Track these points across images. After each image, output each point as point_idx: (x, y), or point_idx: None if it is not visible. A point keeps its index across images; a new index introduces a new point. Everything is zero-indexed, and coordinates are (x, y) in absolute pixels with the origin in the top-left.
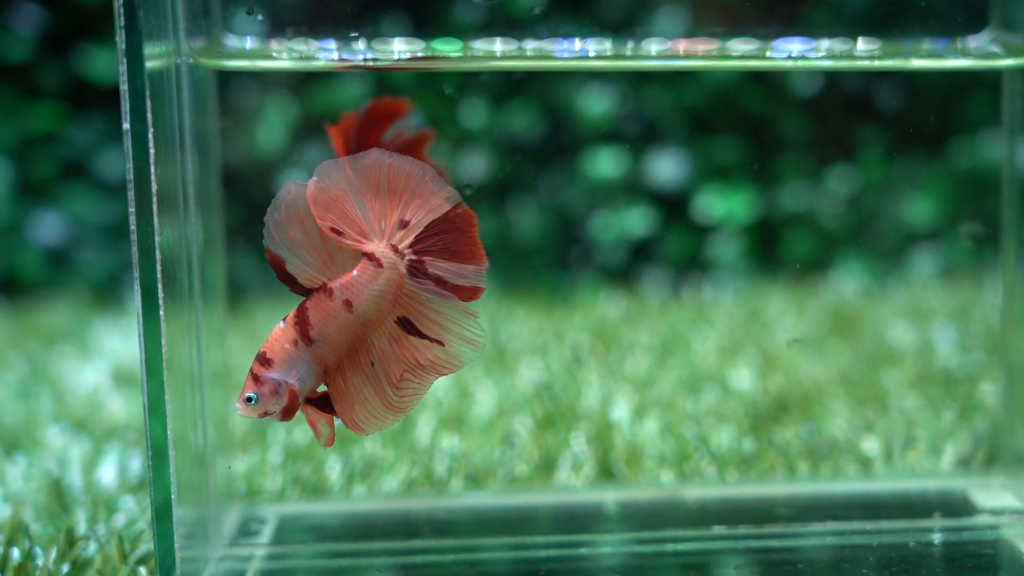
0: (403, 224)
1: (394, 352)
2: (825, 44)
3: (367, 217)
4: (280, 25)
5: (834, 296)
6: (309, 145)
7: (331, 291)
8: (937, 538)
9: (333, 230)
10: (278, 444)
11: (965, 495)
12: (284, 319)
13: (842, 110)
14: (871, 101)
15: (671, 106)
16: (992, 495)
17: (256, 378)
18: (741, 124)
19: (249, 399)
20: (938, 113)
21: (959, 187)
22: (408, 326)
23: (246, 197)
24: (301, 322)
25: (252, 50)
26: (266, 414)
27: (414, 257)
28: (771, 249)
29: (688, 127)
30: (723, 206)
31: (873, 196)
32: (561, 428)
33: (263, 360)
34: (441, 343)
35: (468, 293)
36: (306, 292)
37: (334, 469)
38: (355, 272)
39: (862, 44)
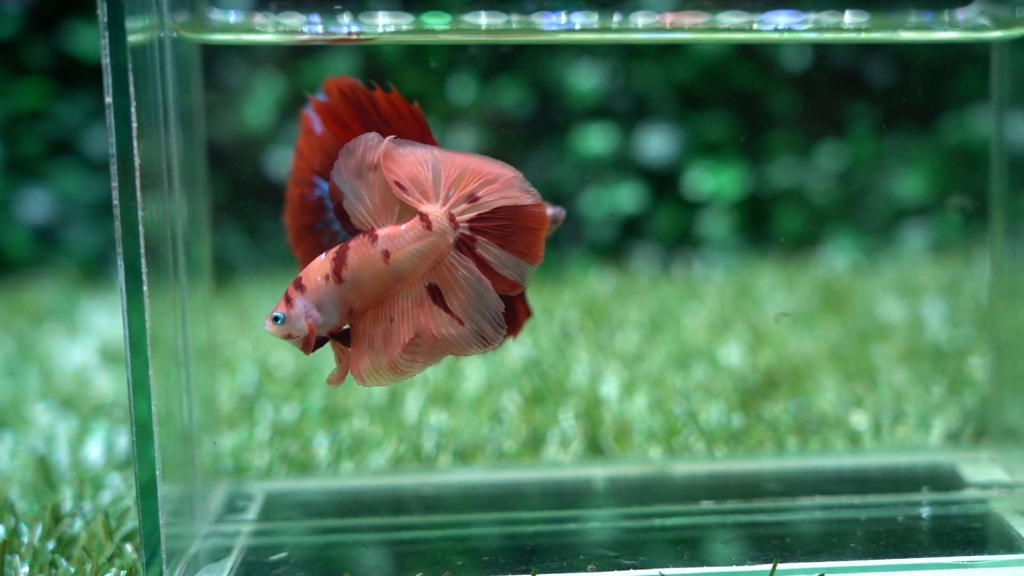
0: (471, 199)
1: (414, 315)
2: (813, 16)
3: (437, 182)
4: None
5: (824, 271)
6: (297, 121)
7: (375, 238)
8: (925, 512)
9: (396, 183)
10: (266, 421)
11: (954, 469)
12: (327, 252)
13: (832, 85)
14: (861, 76)
15: (661, 82)
16: (981, 469)
17: (288, 299)
18: (731, 100)
19: (276, 318)
20: (928, 88)
21: (949, 162)
22: (436, 295)
23: (234, 173)
24: (338, 260)
25: (236, 24)
26: (289, 336)
27: (467, 232)
28: (761, 225)
29: (678, 103)
30: (713, 182)
31: (863, 171)
32: (550, 404)
33: (298, 284)
34: (461, 323)
35: (507, 285)
36: (354, 232)
37: (322, 446)
38: (403, 227)
39: (851, 17)
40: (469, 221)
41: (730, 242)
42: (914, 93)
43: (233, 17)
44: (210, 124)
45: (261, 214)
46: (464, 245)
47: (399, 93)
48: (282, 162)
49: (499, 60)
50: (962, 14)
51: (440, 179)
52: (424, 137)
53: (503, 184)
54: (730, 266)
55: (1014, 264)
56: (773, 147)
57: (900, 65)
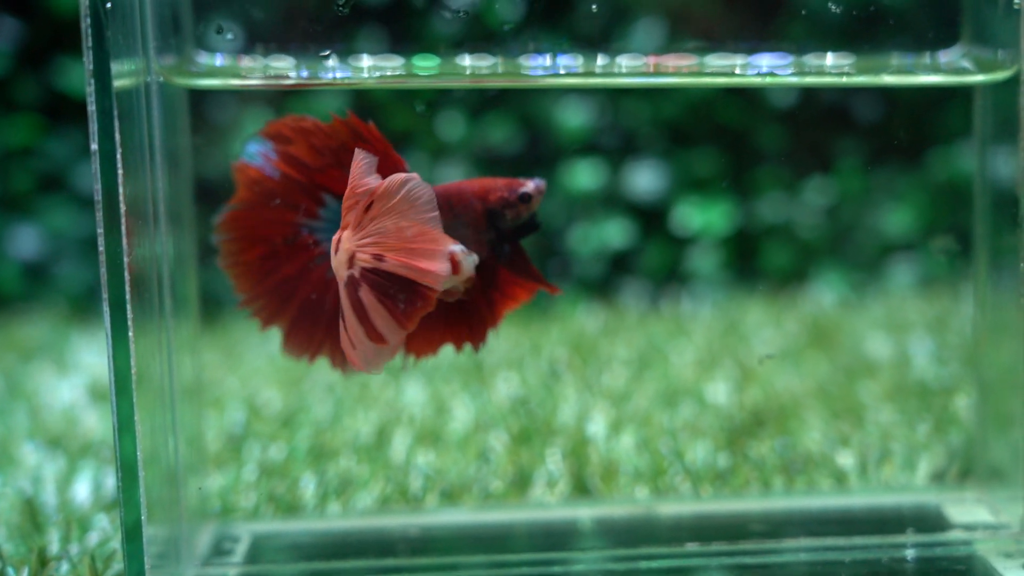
0: (377, 256)
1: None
2: (795, 59)
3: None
4: (254, 42)
5: (812, 307)
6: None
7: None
8: (910, 554)
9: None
10: (253, 461)
11: (939, 510)
12: None
13: (819, 121)
14: (848, 112)
15: (649, 118)
16: (966, 510)
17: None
18: (719, 136)
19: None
20: (915, 124)
21: (936, 198)
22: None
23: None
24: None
25: (224, 67)
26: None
27: (356, 276)
28: (749, 261)
29: (666, 139)
30: (701, 218)
31: (850, 207)
32: (537, 444)
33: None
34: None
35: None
36: None
37: (309, 486)
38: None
39: (835, 59)
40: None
41: (718, 278)
42: (901, 129)
43: (220, 60)
44: (199, 162)
45: None
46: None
47: (353, 115)
48: None
49: (487, 98)
50: (945, 56)
51: (362, 217)
52: (386, 153)
53: (413, 254)
54: (718, 302)
55: (997, 302)
56: (761, 183)
57: (887, 101)
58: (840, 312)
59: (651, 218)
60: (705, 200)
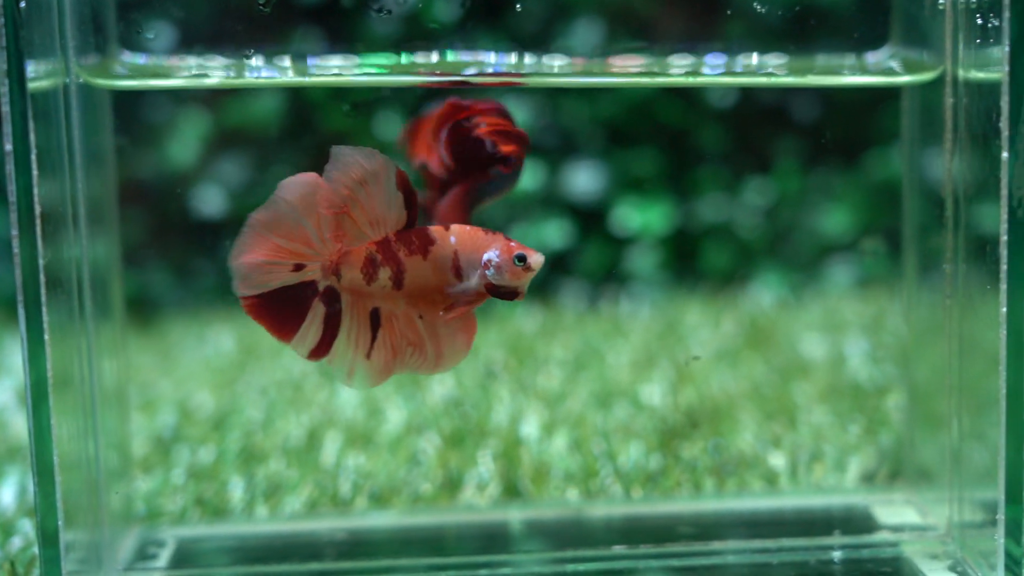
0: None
1: None
2: (728, 59)
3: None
4: (186, 41)
5: (751, 308)
6: (223, 158)
7: None
8: (837, 556)
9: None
10: (181, 465)
11: (868, 511)
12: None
13: (759, 122)
14: (787, 112)
15: (587, 118)
16: (894, 511)
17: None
18: (658, 136)
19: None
20: (852, 124)
21: (873, 198)
22: None
23: (159, 212)
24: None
25: (148, 66)
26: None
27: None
28: (689, 261)
29: (605, 139)
30: (640, 218)
31: (789, 208)
32: (469, 445)
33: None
34: None
35: None
36: None
37: (236, 490)
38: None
39: (765, 59)
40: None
41: (657, 278)
42: (839, 129)
43: (144, 60)
44: (132, 162)
45: (187, 251)
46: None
47: None
48: (206, 199)
49: (425, 96)
50: (873, 57)
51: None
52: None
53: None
54: (657, 302)
55: (926, 303)
56: (701, 183)
57: (825, 102)
58: (778, 312)
59: (590, 218)
60: (644, 200)
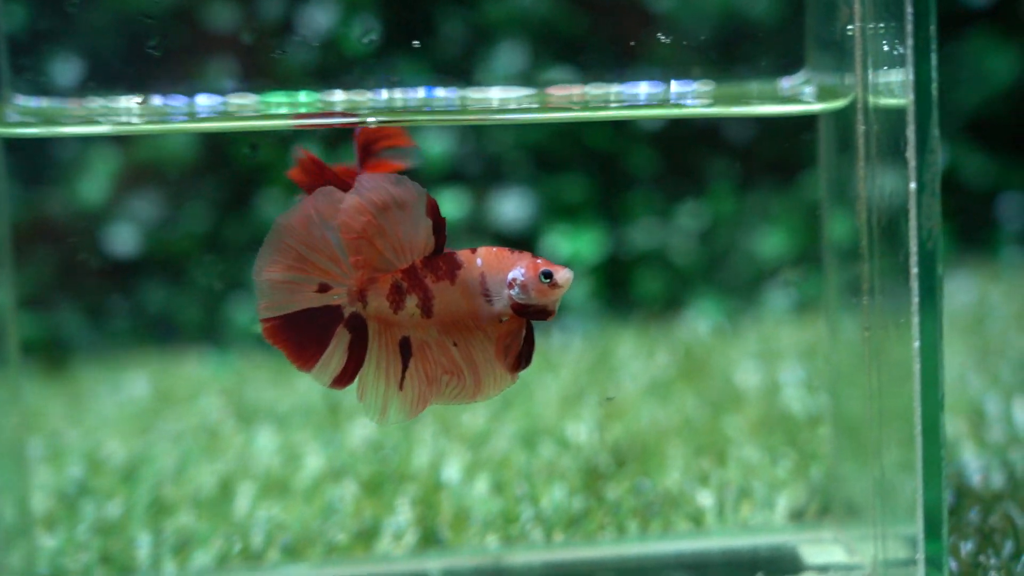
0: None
1: None
2: (635, 88)
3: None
4: (83, 82)
5: (686, 336)
6: (135, 194)
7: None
8: None
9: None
10: (87, 520)
11: (795, 550)
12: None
13: (691, 144)
14: (720, 133)
15: (514, 144)
16: (821, 550)
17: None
18: (587, 161)
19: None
20: (787, 143)
21: (811, 219)
22: None
23: (70, 251)
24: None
25: (43, 109)
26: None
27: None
28: (621, 289)
29: (532, 165)
30: (570, 245)
31: (725, 231)
32: (387, 492)
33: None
34: None
35: None
36: None
37: (143, 546)
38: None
39: (679, 87)
40: None
41: (589, 307)
42: (774, 148)
43: (39, 103)
44: (40, 201)
45: (100, 291)
46: None
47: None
48: (119, 237)
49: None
50: (788, 82)
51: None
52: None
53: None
54: (589, 333)
55: (852, 332)
56: (632, 208)
57: (758, 122)
58: (714, 341)
59: (519, 247)
60: (574, 227)
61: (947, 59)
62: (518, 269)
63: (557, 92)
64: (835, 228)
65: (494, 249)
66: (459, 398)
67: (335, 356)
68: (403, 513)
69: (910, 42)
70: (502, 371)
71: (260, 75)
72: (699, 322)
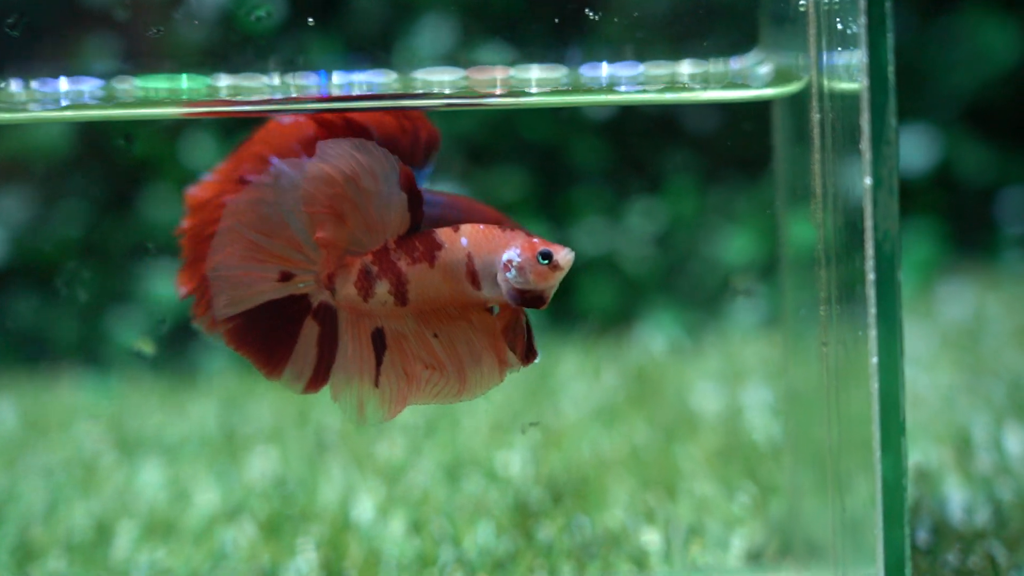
0: None
1: None
2: (571, 71)
3: None
4: None
5: (638, 354)
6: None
7: None
8: None
9: None
10: None
11: None
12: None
13: (644, 134)
14: (678, 121)
15: (443, 135)
16: None
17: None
18: (525, 153)
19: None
20: (754, 133)
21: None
22: None
23: None
24: None
25: None
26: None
27: None
28: (564, 300)
29: (463, 158)
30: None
31: (684, 233)
32: (288, 532)
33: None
34: None
35: None
36: None
37: None
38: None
39: (617, 69)
40: None
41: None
42: (739, 140)
43: None
44: None
45: None
46: None
47: None
48: None
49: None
50: (738, 63)
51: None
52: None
53: None
54: None
55: (811, 349)
56: (577, 206)
57: (720, 107)
58: (671, 359)
59: None
60: None
61: (938, 35)
62: (513, 249)
63: (479, 75)
64: (794, 230)
65: (481, 227)
66: (442, 396)
67: (305, 355)
68: (306, 556)
69: (863, 19)
70: (490, 366)
71: (138, 57)
72: (653, 338)
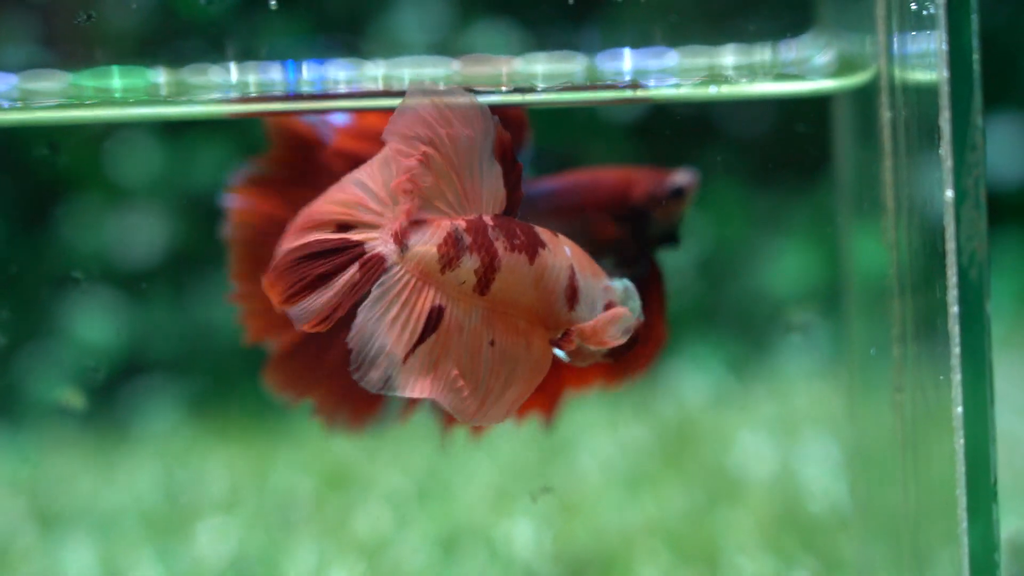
0: None
1: None
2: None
3: None
4: None
5: (672, 399)
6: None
7: None
8: None
9: None
10: None
11: None
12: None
13: (677, 133)
14: (716, 120)
15: None
16: None
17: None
18: (534, 160)
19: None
20: (811, 133)
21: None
22: None
23: None
24: None
25: None
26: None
27: None
28: None
29: None
30: None
31: (727, 252)
32: None
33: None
34: None
35: None
36: None
37: None
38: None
39: (650, 59)
40: None
41: None
42: (791, 140)
43: None
44: None
45: None
46: None
47: None
48: None
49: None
50: (790, 50)
51: None
52: None
53: None
54: None
55: (881, 395)
56: None
57: (770, 101)
58: (711, 406)
59: None
60: None
61: None
62: (620, 283)
63: (476, 68)
64: (860, 250)
65: (575, 247)
66: (458, 411)
67: (330, 292)
68: None
69: None
70: (512, 398)
71: (64, 48)
72: (690, 380)
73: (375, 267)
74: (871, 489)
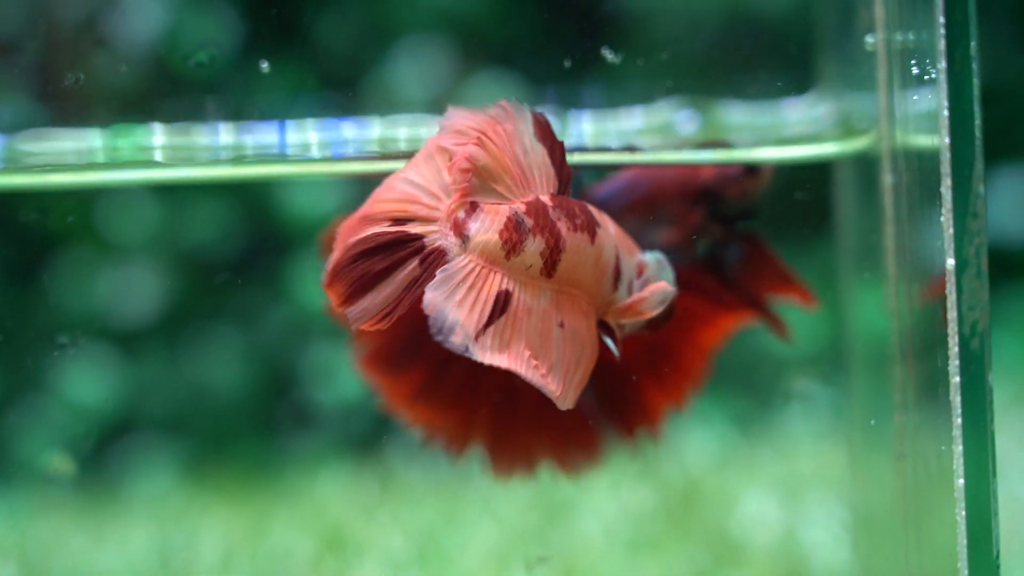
0: None
1: None
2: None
3: None
4: None
5: (676, 462)
6: None
7: None
8: None
9: None
10: None
11: None
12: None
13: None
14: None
15: None
16: None
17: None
18: None
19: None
20: (810, 196)
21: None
22: None
23: None
24: None
25: None
26: None
27: None
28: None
29: None
30: None
31: None
32: None
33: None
34: None
35: None
36: None
37: None
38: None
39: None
40: None
41: None
42: (789, 201)
43: None
44: None
45: None
46: None
47: None
48: None
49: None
50: (796, 111)
51: None
52: None
53: None
54: None
55: (883, 461)
56: None
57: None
58: (715, 467)
59: None
60: None
61: None
62: (649, 255)
63: None
64: (862, 317)
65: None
66: (544, 388)
67: (388, 289)
68: None
69: (943, 63)
70: (579, 381)
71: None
72: (695, 439)
73: (436, 261)
74: (873, 555)
